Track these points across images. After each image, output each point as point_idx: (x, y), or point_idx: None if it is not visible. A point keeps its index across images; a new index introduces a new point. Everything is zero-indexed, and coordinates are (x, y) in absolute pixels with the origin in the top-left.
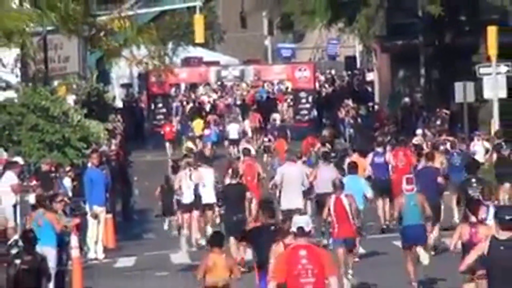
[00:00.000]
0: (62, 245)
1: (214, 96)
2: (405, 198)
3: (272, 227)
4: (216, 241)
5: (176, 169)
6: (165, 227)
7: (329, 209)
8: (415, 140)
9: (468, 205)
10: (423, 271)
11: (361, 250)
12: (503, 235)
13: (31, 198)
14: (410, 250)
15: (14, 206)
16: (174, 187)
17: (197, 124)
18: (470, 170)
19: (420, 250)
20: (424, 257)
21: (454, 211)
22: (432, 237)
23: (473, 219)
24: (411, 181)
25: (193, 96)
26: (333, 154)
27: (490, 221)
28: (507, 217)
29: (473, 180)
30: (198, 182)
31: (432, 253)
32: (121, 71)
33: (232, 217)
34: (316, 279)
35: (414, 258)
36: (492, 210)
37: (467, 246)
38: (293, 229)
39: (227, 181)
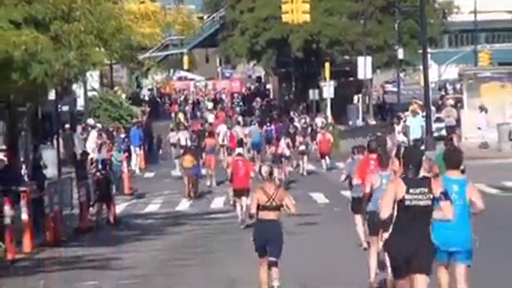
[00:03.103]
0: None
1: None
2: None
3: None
4: (186, 149)
5: (173, 129)
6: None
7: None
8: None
9: None
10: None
11: None
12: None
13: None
14: None
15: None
16: (156, 139)
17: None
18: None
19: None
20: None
21: None
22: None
23: None
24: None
25: (182, 95)
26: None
27: None
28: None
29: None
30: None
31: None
32: (148, 82)
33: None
34: (244, 173)
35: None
36: None
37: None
38: (236, 152)
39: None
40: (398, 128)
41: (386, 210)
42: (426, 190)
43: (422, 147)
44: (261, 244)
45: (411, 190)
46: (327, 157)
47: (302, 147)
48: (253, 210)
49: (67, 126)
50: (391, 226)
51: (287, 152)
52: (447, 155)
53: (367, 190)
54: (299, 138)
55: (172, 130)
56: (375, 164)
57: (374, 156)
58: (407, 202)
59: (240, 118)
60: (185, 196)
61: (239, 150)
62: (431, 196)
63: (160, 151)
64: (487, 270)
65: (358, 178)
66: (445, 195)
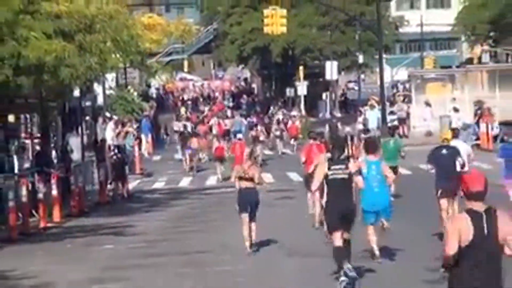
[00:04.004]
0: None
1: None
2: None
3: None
4: (192, 134)
5: (177, 119)
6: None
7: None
8: (271, 112)
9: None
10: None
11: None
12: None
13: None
14: None
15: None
16: (164, 128)
17: (182, 108)
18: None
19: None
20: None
21: None
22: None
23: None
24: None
25: (184, 93)
26: (229, 113)
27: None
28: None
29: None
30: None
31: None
32: (155, 82)
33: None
34: (240, 153)
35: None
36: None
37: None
38: (237, 138)
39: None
40: (359, 119)
41: (316, 183)
42: (343, 167)
43: (371, 134)
44: (243, 206)
45: (332, 167)
46: (295, 140)
47: (278, 132)
48: (232, 179)
49: (88, 118)
50: (325, 195)
51: (262, 137)
52: (368, 145)
53: (312, 169)
54: (274, 126)
55: (176, 120)
56: (316, 148)
57: (316, 142)
58: (330, 176)
59: (228, 112)
60: (186, 171)
61: (239, 135)
62: (348, 171)
63: (168, 138)
64: (418, 229)
65: (303, 157)
66: (359, 172)
